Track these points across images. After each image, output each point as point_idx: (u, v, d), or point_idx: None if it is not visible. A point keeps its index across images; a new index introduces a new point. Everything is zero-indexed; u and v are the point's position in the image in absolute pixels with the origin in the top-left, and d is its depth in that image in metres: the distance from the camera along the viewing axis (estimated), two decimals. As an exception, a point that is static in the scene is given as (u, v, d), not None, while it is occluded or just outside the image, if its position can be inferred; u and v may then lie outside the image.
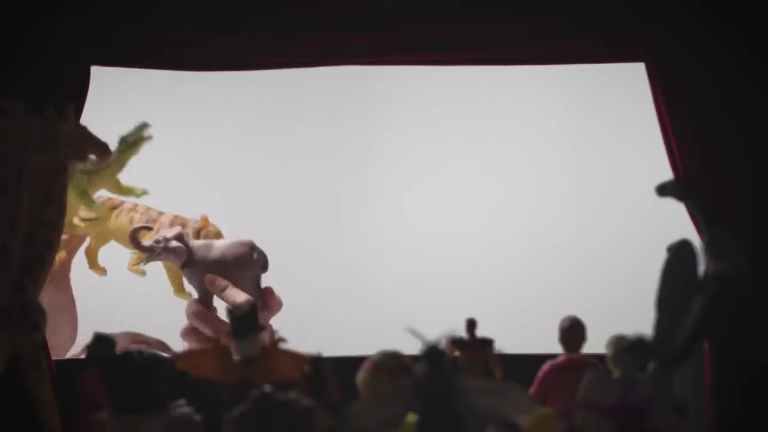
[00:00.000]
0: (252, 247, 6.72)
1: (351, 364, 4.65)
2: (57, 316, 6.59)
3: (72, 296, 7.12)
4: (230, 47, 6.60)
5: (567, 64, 6.95)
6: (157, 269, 7.33)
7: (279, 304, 6.77)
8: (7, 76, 6.09)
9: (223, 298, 6.57)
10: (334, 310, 7.43)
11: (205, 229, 6.98)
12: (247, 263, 6.67)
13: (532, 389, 5.39)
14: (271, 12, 6.46)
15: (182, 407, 4.29)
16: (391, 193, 7.78)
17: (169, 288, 7.38)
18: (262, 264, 6.72)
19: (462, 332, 5.45)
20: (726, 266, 4.73)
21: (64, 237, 6.43)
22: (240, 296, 6.48)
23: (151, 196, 7.59)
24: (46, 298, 6.01)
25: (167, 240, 6.55)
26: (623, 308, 6.77)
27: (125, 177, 7.24)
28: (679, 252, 4.95)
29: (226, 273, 6.60)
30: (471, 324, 5.50)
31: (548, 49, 6.63)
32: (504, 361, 5.49)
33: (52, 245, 5.33)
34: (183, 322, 6.71)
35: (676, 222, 6.06)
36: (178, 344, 6.70)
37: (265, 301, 6.64)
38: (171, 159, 7.80)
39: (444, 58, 6.76)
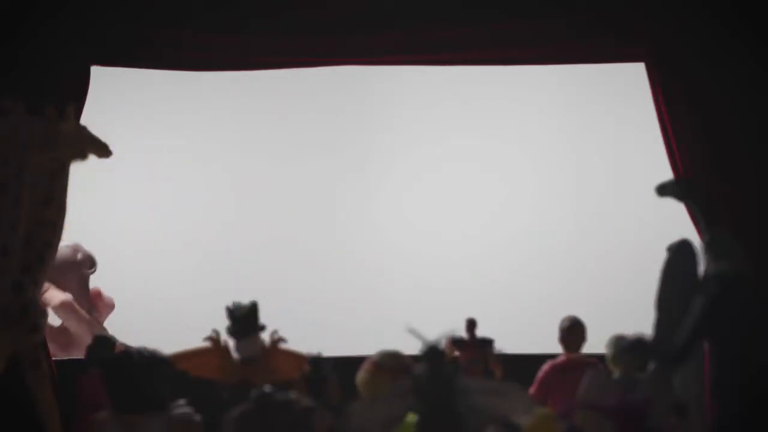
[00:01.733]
0: (75, 249, 6.85)
1: (351, 364, 4.65)
2: None
3: None
4: (230, 47, 6.60)
5: (567, 64, 6.95)
6: (160, 271, 7.36)
7: (109, 305, 6.89)
8: (7, 76, 6.09)
9: (43, 302, 6.66)
10: (334, 310, 7.43)
11: None
12: (70, 265, 6.79)
13: (532, 389, 5.39)
14: (271, 12, 6.46)
15: (182, 407, 4.29)
16: (391, 193, 7.77)
17: (168, 288, 7.40)
18: (89, 265, 6.84)
19: (462, 332, 5.46)
20: (726, 266, 4.73)
21: None
22: (57, 297, 6.62)
23: (150, 196, 7.60)
24: None
25: None
26: (623, 308, 6.77)
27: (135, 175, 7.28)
28: (679, 252, 4.96)
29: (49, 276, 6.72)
30: (471, 324, 5.50)
31: (548, 49, 6.63)
32: (504, 361, 5.49)
33: (52, 245, 5.33)
34: (181, 323, 6.70)
35: (676, 222, 6.06)
36: (173, 346, 6.69)
37: (93, 302, 6.75)
38: (171, 159, 7.80)
39: (444, 58, 6.76)
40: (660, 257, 4.96)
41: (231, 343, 4.70)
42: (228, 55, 6.69)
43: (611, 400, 4.51)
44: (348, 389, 4.55)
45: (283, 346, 4.71)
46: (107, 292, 7.56)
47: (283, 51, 6.64)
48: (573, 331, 5.50)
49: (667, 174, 6.35)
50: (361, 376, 4.49)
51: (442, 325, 4.38)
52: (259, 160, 7.91)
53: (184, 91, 7.62)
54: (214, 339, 4.70)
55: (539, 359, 5.60)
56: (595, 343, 5.37)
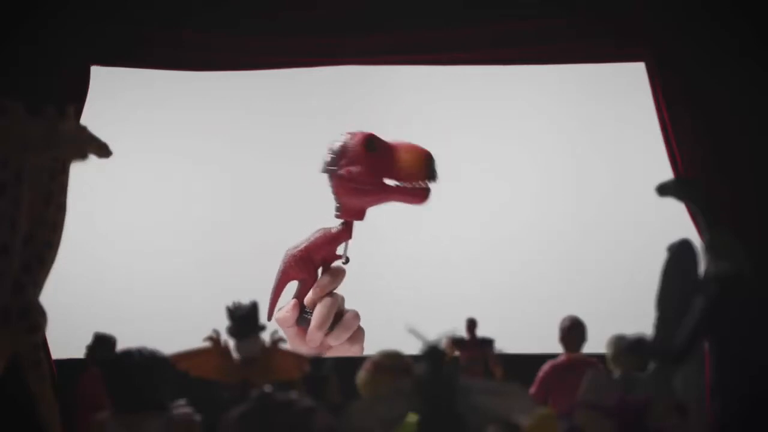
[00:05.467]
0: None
1: (351, 364, 4.65)
2: None
3: None
4: (230, 47, 6.60)
5: (567, 63, 6.95)
6: (160, 270, 7.36)
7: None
8: (7, 76, 6.09)
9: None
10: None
11: None
12: None
13: (533, 389, 5.39)
14: (272, 12, 6.46)
15: (182, 407, 4.29)
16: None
17: (168, 288, 7.40)
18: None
19: (462, 332, 5.45)
20: (726, 266, 4.72)
21: None
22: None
23: (151, 196, 7.60)
24: None
25: None
26: (623, 308, 6.76)
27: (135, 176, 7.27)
28: (679, 252, 4.95)
29: None
30: (471, 324, 5.49)
31: (548, 49, 6.63)
32: (504, 361, 5.49)
33: (52, 245, 5.32)
34: (181, 323, 6.70)
35: (676, 222, 6.06)
36: (173, 346, 6.70)
37: None
38: (171, 159, 7.80)
39: (444, 58, 6.77)
40: (660, 257, 4.95)
41: (231, 343, 4.70)
42: (228, 55, 6.69)
43: (611, 400, 4.50)
44: (348, 389, 4.54)
45: (283, 346, 4.70)
46: (106, 292, 7.56)
47: (283, 51, 6.64)
48: (573, 331, 5.50)
49: (667, 174, 6.35)
50: (361, 376, 4.49)
51: (442, 325, 4.38)
52: (260, 160, 7.91)
53: (184, 91, 7.62)
54: (214, 339, 4.69)
55: (539, 359, 5.59)
56: (595, 343, 5.36)
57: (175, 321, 7.01)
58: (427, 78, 7.63)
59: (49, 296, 5.42)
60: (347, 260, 6.84)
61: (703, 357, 4.83)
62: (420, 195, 6.72)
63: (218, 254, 7.70)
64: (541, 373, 5.46)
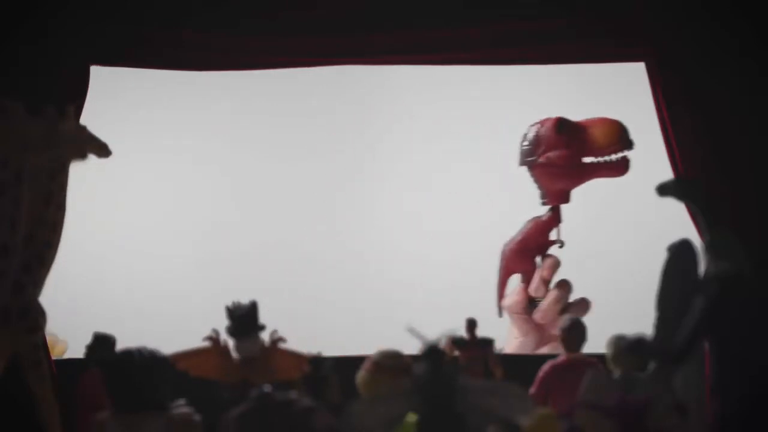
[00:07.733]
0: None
1: (351, 364, 4.66)
2: None
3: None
4: (230, 47, 6.60)
5: (567, 63, 6.95)
6: (160, 270, 7.36)
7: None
8: (7, 76, 6.09)
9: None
10: (334, 310, 7.43)
11: None
12: None
13: (533, 389, 5.39)
14: (272, 12, 6.46)
15: (182, 407, 4.29)
16: (391, 193, 7.77)
17: (168, 288, 7.41)
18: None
19: (462, 332, 5.45)
20: (726, 266, 4.72)
21: None
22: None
23: (151, 196, 7.60)
24: None
25: None
26: (623, 308, 6.77)
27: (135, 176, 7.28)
28: (679, 252, 4.95)
29: None
30: (471, 324, 5.50)
31: (549, 49, 6.63)
32: (504, 361, 5.49)
33: (52, 245, 5.33)
34: (181, 323, 6.71)
35: (676, 222, 6.06)
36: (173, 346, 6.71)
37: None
38: (171, 159, 7.81)
39: (444, 58, 6.77)
40: (660, 257, 4.96)
41: (231, 343, 4.70)
42: (228, 55, 6.69)
43: (611, 400, 4.51)
44: (348, 389, 4.55)
45: (283, 346, 4.71)
46: (106, 292, 7.57)
47: (283, 51, 6.64)
48: (573, 331, 5.50)
49: (667, 174, 6.35)
50: (361, 376, 4.49)
51: (442, 325, 4.39)
52: (260, 160, 7.92)
53: (184, 91, 7.63)
54: (214, 339, 4.70)
55: (539, 359, 5.60)
56: (595, 343, 5.37)
57: (175, 321, 7.01)
58: (427, 78, 7.63)
59: (49, 296, 5.43)
60: (562, 244, 7.14)
61: (703, 357, 4.84)
62: (621, 167, 7.03)
63: (218, 254, 7.70)
64: (541, 373, 5.46)
